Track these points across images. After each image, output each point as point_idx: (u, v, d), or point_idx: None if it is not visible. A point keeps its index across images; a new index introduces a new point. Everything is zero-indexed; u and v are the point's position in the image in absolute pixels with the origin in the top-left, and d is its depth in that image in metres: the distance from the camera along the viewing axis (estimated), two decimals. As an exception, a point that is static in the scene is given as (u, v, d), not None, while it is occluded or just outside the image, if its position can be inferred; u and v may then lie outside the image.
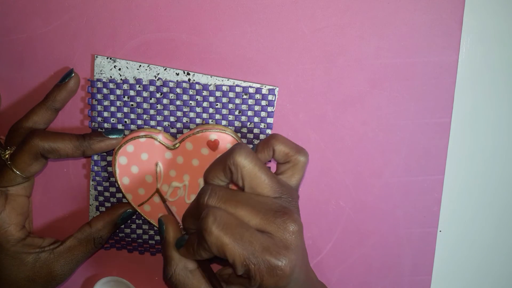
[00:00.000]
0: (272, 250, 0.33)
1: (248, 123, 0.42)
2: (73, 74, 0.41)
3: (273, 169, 0.40)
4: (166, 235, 0.38)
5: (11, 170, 0.39)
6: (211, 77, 0.42)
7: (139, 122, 0.42)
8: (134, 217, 0.45)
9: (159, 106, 0.42)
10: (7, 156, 0.39)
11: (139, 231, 0.45)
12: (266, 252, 0.33)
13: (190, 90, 0.42)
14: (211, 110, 0.42)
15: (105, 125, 0.42)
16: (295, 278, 0.34)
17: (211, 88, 0.42)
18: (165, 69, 0.42)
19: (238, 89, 0.42)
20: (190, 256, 0.36)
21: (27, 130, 0.40)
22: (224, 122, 0.42)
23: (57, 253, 0.41)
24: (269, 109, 0.42)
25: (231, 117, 0.42)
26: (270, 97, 0.42)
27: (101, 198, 0.44)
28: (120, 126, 0.42)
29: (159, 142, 0.41)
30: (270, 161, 0.39)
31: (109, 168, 0.44)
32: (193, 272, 0.37)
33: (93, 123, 0.42)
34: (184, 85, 0.42)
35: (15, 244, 0.40)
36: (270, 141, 0.38)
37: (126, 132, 0.42)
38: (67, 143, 0.39)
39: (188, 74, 0.42)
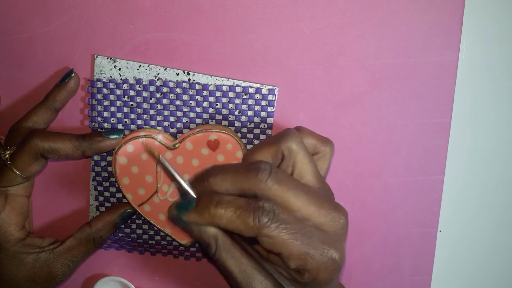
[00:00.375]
0: (330, 243, 0.32)
1: (248, 123, 0.42)
2: (73, 74, 0.41)
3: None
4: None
5: (11, 170, 0.39)
6: (211, 77, 0.42)
7: (139, 122, 0.42)
8: (134, 217, 0.45)
9: (159, 106, 0.42)
10: (7, 156, 0.39)
11: (139, 231, 0.45)
12: (324, 245, 0.32)
13: (190, 90, 0.42)
14: (211, 110, 0.42)
15: (105, 125, 0.42)
16: (339, 272, 0.33)
17: (211, 88, 0.42)
18: (165, 69, 0.42)
19: (238, 89, 0.42)
20: (203, 221, 0.32)
21: (27, 130, 0.40)
22: (224, 122, 0.42)
23: (57, 253, 0.41)
24: (269, 109, 0.42)
25: (231, 117, 0.42)
26: (270, 97, 0.42)
27: (101, 198, 0.44)
28: (120, 126, 0.42)
29: (159, 142, 0.41)
30: None
31: (109, 168, 0.43)
32: (235, 248, 0.34)
33: (93, 123, 0.42)
34: (184, 85, 0.42)
35: (15, 244, 0.40)
36: (297, 133, 0.36)
37: (126, 132, 0.42)
38: (67, 143, 0.39)
39: (188, 74, 0.42)
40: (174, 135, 0.42)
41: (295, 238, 0.31)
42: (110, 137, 0.40)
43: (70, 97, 0.42)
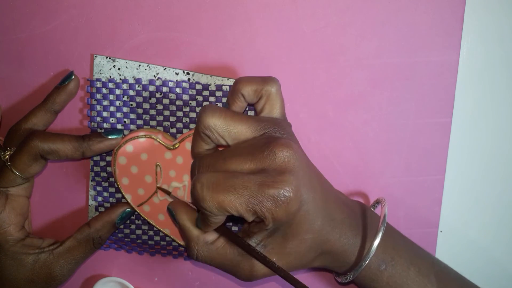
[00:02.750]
0: (268, 182, 0.32)
1: (248, 123, 0.42)
2: (73, 77, 0.41)
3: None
4: (178, 220, 0.38)
5: (11, 171, 0.39)
6: (211, 76, 0.41)
7: (139, 122, 0.42)
8: (133, 217, 0.44)
9: (158, 106, 0.42)
10: (6, 157, 0.39)
11: (139, 232, 0.45)
12: (263, 187, 0.32)
13: (190, 89, 0.41)
14: (211, 110, 0.42)
15: (105, 125, 0.42)
16: (305, 198, 0.34)
17: (211, 87, 0.41)
18: (164, 69, 0.42)
19: (238, 89, 0.41)
20: (209, 228, 0.36)
21: (26, 132, 0.40)
22: (224, 122, 0.42)
23: (56, 253, 0.41)
24: (269, 109, 0.42)
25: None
26: (270, 97, 0.42)
27: (100, 199, 0.44)
28: (119, 126, 0.42)
29: (159, 142, 0.41)
30: (247, 107, 0.39)
31: (109, 168, 0.43)
32: (215, 243, 0.37)
33: (92, 123, 0.42)
34: (184, 84, 0.41)
35: (14, 244, 0.40)
36: (235, 88, 0.37)
37: (126, 132, 0.42)
38: (67, 144, 0.39)
39: (188, 73, 0.42)
40: (173, 135, 0.42)
41: (231, 193, 0.32)
42: (109, 137, 0.40)
43: (70, 99, 0.42)
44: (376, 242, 0.35)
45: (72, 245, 0.42)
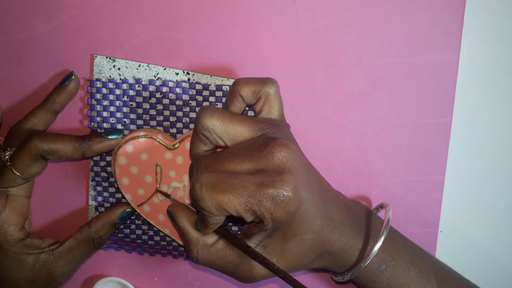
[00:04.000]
0: (267, 182, 0.32)
1: (248, 123, 0.42)
2: (73, 77, 0.41)
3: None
4: (178, 222, 0.38)
5: (11, 171, 0.39)
6: (211, 76, 0.41)
7: (139, 122, 0.42)
8: (133, 217, 0.44)
9: (158, 106, 0.42)
10: (6, 157, 0.39)
11: (139, 232, 0.45)
12: (262, 187, 0.32)
13: (190, 89, 0.41)
14: (211, 110, 0.42)
15: (105, 125, 0.42)
16: (304, 197, 0.33)
17: (211, 88, 0.41)
18: (164, 69, 0.42)
19: (238, 89, 0.41)
20: (208, 230, 0.36)
21: (26, 132, 0.40)
22: (224, 122, 0.42)
23: (56, 254, 0.41)
24: (269, 109, 0.42)
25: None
26: (270, 97, 0.42)
27: (100, 199, 0.44)
28: (119, 126, 0.42)
29: (159, 142, 0.41)
30: (246, 108, 0.39)
31: (109, 168, 0.43)
32: (214, 245, 0.37)
33: (92, 123, 0.42)
34: (184, 84, 0.41)
35: (15, 244, 0.40)
36: (233, 89, 0.37)
37: (126, 132, 0.42)
38: (67, 144, 0.39)
39: (188, 73, 0.42)
40: (173, 135, 0.42)
41: (230, 193, 0.32)
42: (109, 137, 0.40)
43: (70, 99, 0.42)
44: (378, 245, 0.35)
45: (72, 245, 0.42)
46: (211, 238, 0.37)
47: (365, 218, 0.39)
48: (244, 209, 0.32)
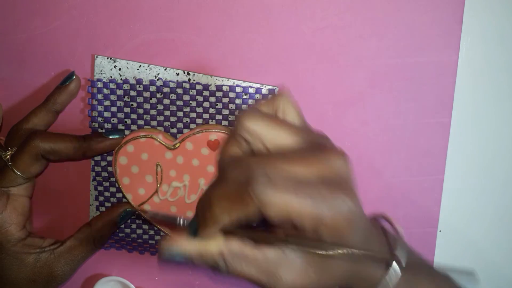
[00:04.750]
0: (335, 190, 0.29)
1: (248, 123, 0.42)
2: (74, 77, 0.41)
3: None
4: (187, 251, 0.31)
5: (12, 171, 0.39)
6: (211, 77, 0.42)
7: (140, 122, 0.42)
8: (134, 217, 0.45)
9: (159, 106, 0.42)
10: (8, 157, 0.40)
11: (139, 231, 0.45)
12: (331, 194, 0.28)
13: (191, 90, 0.42)
14: (211, 110, 0.42)
15: (106, 125, 0.42)
16: (358, 214, 0.30)
17: (211, 88, 0.42)
18: (165, 69, 0.42)
19: (238, 89, 0.42)
20: (209, 232, 0.30)
21: (27, 132, 0.40)
22: (224, 122, 0.42)
23: (57, 253, 0.41)
24: (269, 109, 0.42)
25: (231, 117, 0.42)
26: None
27: (101, 198, 0.44)
28: (120, 126, 0.42)
29: (159, 142, 0.41)
30: None
31: (109, 168, 0.43)
32: (243, 249, 0.31)
33: (93, 123, 0.42)
34: (185, 85, 0.42)
35: (16, 244, 0.40)
36: (275, 102, 0.33)
37: (127, 132, 0.42)
38: (68, 144, 0.39)
39: (188, 74, 0.42)
40: (174, 135, 0.42)
41: (299, 196, 0.28)
42: (110, 137, 0.40)
43: (71, 99, 0.42)
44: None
45: (73, 245, 0.42)
46: (236, 244, 0.31)
47: (385, 236, 0.35)
48: (309, 213, 0.28)
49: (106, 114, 0.42)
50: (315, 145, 0.31)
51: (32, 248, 0.41)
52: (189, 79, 0.42)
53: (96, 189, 0.44)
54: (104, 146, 0.40)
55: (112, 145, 0.41)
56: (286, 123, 0.32)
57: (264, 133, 0.31)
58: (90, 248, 0.42)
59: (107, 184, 0.44)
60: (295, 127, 0.32)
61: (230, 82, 0.42)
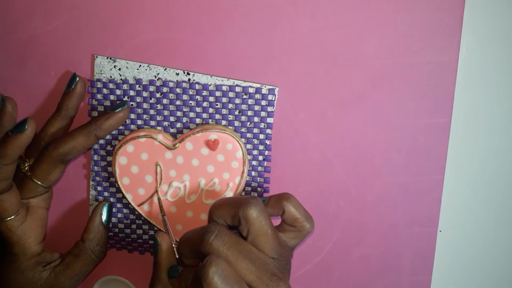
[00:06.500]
0: None
1: (248, 123, 0.42)
2: (77, 79, 0.41)
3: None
4: (159, 257, 0.38)
5: (32, 181, 0.39)
6: (211, 77, 0.42)
7: (139, 122, 0.42)
8: (133, 217, 0.45)
9: (159, 106, 0.42)
10: (26, 168, 0.40)
11: (139, 231, 0.45)
12: None
13: (190, 90, 0.42)
14: (211, 110, 0.42)
15: (105, 125, 0.42)
16: None
17: (211, 88, 0.42)
18: (165, 69, 0.42)
19: (238, 89, 0.42)
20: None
21: (44, 142, 0.41)
22: (224, 122, 0.42)
23: (57, 271, 0.41)
24: (269, 109, 0.42)
25: (231, 117, 0.42)
26: (270, 97, 0.42)
27: (101, 198, 0.44)
28: (120, 126, 0.42)
29: (159, 142, 0.41)
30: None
31: (109, 168, 0.44)
32: None
33: (93, 123, 0.42)
34: (184, 85, 0.42)
35: (30, 258, 0.40)
36: (282, 201, 0.37)
37: (126, 132, 0.42)
38: (78, 137, 0.39)
39: (188, 74, 0.42)
40: (174, 135, 0.42)
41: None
42: (116, 111, 0.40)
43: (81, 101, 0.42)
44: None
45: (70, 261, 0.41)
46: None
47: None
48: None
49: (106, 114, 0.42)
50: (277, 270, 0.35)
51: (42, 266, 0.41)
52: (189, 79, 0.42)
53: (96, 189, 0.44)
54: (112, 122, 0.40)
55: (120, 118, 0.40)
56: (275, 237, 0.36)
57: (255, 231, 0.35)
58: (90, 260, 0.42)
59: (107, 184, 0.44)
60: (278, 246, 0.36)
61: (230, 82, 0.42)
